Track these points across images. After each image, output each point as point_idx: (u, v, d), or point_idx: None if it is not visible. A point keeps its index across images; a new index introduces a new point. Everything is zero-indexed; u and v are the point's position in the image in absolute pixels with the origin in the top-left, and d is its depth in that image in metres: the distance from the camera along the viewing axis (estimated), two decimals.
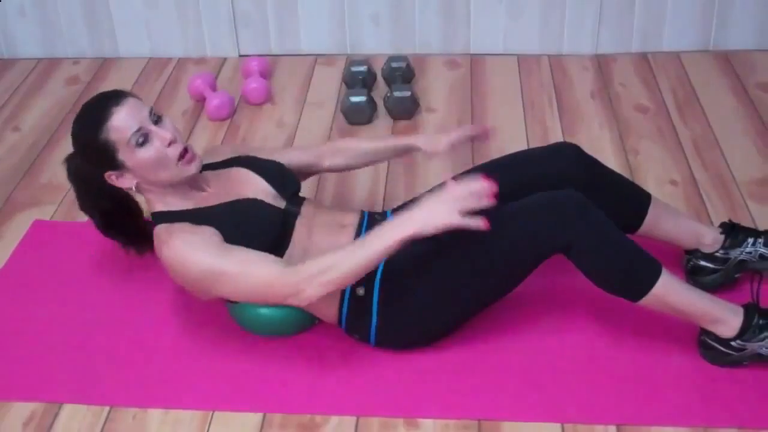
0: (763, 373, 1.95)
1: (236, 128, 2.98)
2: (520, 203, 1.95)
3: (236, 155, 2.19)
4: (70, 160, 2.09)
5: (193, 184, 2.03)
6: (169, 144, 1.94)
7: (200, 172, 2.03)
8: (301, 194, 2.19)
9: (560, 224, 1.90)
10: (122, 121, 1.91)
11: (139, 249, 2.19)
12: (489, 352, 2.05)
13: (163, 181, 1.98)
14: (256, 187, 2.07)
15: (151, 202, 2.03)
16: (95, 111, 1.94)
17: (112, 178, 1.98)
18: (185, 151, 1.96)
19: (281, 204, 2.07)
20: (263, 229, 1.98)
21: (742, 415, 1.87)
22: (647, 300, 1.90)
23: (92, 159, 1.97)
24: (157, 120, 1.96)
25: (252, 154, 2.21)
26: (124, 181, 1.98)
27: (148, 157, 1.93)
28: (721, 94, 3.05)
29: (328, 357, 2.06)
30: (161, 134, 1.94)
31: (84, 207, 2.15)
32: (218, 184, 2.07)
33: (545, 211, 1.92)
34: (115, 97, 1.95)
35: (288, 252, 2.00)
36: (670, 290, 1.90)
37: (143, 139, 1.92)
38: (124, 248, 2.21)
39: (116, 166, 1.95)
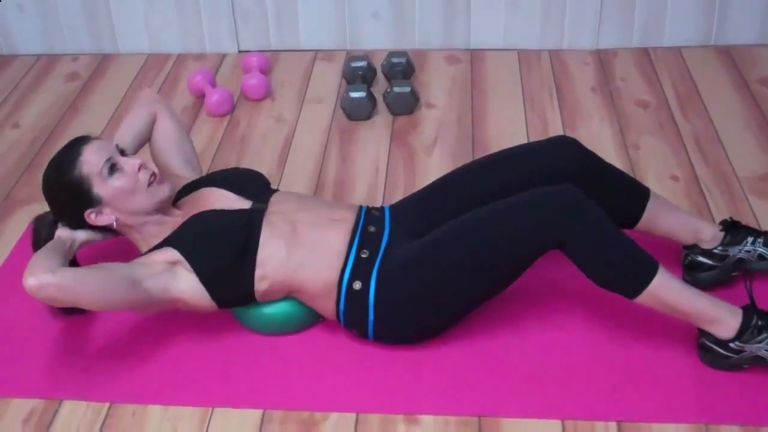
0: (765, 371, 1.94)
1: (236, 124, 2.98)
2: (514, 198, 1.95)
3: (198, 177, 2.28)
4: (39, 221, 2.16)
5: (166, 211, 2.10)
6: (139, 168, 2.03)
7: (172, 198, 2.12)
8: (285, 190, 2.25)
9: (554, 220, 1.89)
10: (93, 154, 2.02)
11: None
12: (490, 349, 2.04)
13: (138, 209, 2.04)
14: (218, 199, 2.12)
15: (135, 241, 2.10)
16: (66, 153, 2.07)
17: (92, 217, 2.04)
18: (154, 174, 2.05)
19: (246, 205, 2.10)
20: (222, 235, 2.01)
21: (743, 413, 1.87)
22: (644, 297, 1.89)
23: (69, 201, 2.03)
24: (122, 153, 2.07)
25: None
26: (103, 218, 2.05)
27: (121, 185, 2.02)
28: (722, 89, 3.04)
29: (328, 353, 2.06)
30: (130, 161, 2.04)
31: None
32: (188, 208, 2.13)
33: (539, 206, 1.91)
34: (82, 139, 2.07)
35: (262, 247, 2.01)
36: (667, 288, 1.89)
37: (113, 166, 2.01)
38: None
39: (93, 201, 2.02)
